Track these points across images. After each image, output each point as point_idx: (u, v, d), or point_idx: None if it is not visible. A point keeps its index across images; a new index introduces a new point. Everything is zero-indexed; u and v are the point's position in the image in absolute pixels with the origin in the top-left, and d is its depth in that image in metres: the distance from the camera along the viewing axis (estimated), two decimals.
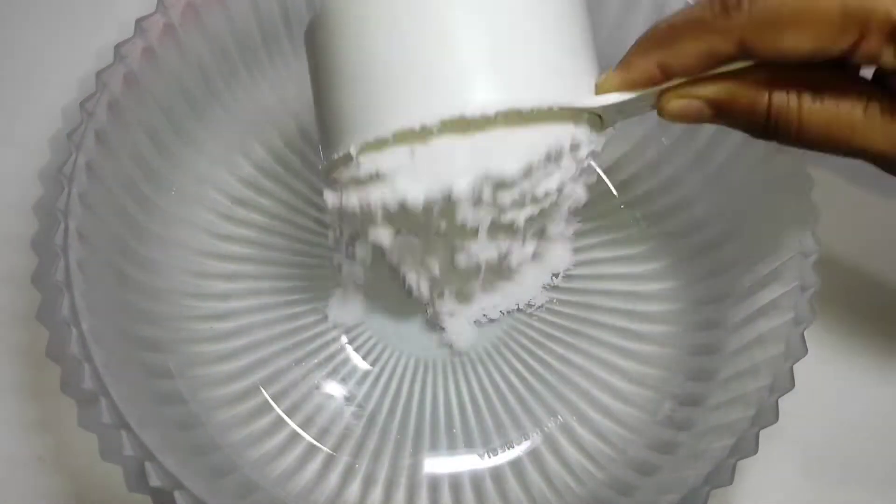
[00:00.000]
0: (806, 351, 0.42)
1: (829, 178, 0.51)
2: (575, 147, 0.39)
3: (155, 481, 0.39)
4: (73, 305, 0.41)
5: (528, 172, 0.37)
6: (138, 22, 0.47)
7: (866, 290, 0.54)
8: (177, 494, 0.39)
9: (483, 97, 0.34)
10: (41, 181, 0.54)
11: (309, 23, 0.38)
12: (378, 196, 0.38)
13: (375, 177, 0.37)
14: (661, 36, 0.37)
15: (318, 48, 0.37)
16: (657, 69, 0.37)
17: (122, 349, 0.43)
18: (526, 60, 0.36)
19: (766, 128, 0.37)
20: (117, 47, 0.47)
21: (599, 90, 0.38)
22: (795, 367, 0.42)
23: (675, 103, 0.38)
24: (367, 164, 0.37)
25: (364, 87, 0.35)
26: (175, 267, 0.50)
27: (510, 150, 0.37)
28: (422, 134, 0.35)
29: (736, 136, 0.48)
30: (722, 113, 0.37)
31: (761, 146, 0.46)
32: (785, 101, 0.36)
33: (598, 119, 0.39)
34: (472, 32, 0.35)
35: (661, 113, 0.38)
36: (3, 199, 0.54)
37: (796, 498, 0.49)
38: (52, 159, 0.54)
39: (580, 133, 0.38)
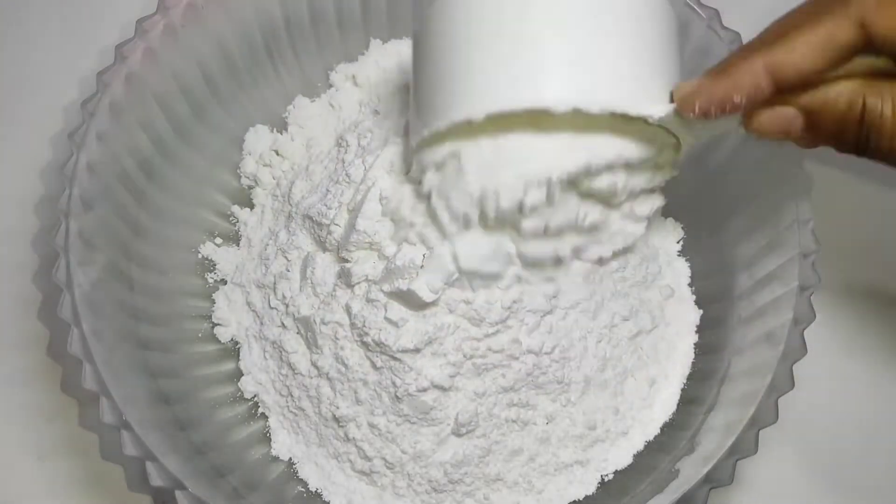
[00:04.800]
0: (806, 351, 0.42)
1: (829, 177, 0.51)
2: (632, 166, 0.39)
3: (156, 481, 0.39)
4: (73, 305, 0.41)
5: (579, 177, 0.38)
6: (139, 22, 0.47)
7: (866, 289, 0.54)
8: (178, 494, 0.39)
9: (553, 95, 0.36)
10: (42, 181, 0.54)
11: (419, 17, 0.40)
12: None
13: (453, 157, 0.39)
14: (770, 33, 0.35)
15: (425, 41, 0.39)
16: (763, 72, 0.34)
17: (122, 349, 0.43)
18: (599, 71, 0.36)
19: (858, 138, 0.35)
20: (118, 48, 0.47)
21: (680, 101, 0.36)
22: (795, 367, 0.42)
23: (766, 115, 0.36)
24: (449, 147, 0.39)
25: (464, 75, 0.37)
26: (175, 267, 0.50)
27: (571, 152, 0.38)
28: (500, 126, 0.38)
29: (733, 138, 0.48)
30: (813, 122, 0.35)
31: (759, 146, 0.46)
32: (878, 107, 0.34)
33: (672, 144, 0.39)
34: (556, 41, 0.36)
35: (748, 127, 0.36)
36: (4, 198, 0.54)
37: (796, 498, 0.49)
38: (53, 159, 0.54)
39: (641, 151, 0.38)
